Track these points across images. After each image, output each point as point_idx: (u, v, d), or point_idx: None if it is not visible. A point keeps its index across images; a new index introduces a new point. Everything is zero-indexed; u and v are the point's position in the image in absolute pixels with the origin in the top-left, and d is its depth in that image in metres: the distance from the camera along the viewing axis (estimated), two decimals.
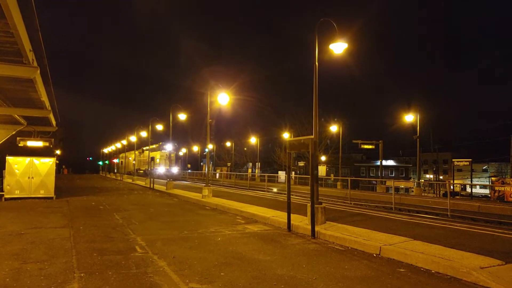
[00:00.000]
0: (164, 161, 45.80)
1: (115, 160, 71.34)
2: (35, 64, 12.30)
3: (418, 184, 27.19)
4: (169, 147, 45.32)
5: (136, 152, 50.85)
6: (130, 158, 55.57)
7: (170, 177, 40.70)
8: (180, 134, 44.20)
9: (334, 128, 38.00)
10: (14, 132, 23.65)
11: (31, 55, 11.53)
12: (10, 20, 8.45)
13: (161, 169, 44.32)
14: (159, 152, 45.87)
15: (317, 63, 10.01)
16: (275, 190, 28.13)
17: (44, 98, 17.38)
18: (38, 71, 12.44)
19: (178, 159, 49.66)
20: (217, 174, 56.03)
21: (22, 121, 23.10)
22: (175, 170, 45.99)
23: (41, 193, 17.45)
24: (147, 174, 44.66)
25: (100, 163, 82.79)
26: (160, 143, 46.30)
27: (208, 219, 12.01)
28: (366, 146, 32.98)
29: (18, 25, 9.01)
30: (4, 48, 10.96)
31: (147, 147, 48.55)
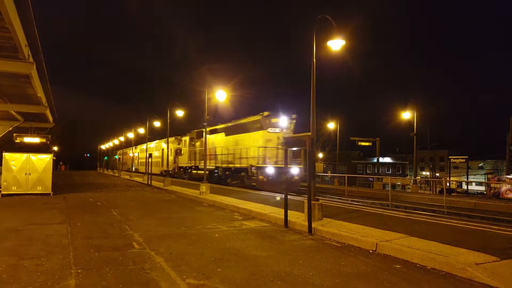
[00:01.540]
0: (276, 152, 21.10)
1: (135, 154, 50.11)
2: (31, 59, 12.24)
3: (415, 181, 27.30)
4: (283, 121, 21.47)
5: (184, 138, 30.48)
6: (163, 148, 35.27)
7: (290, 188, 16.14)
8: (178, 131, 38.59)
9: (331, 126, 38.06)
10: (10, 128, 23.59)
11: (26, 51, 11.47)
12: (5, 15, 8.41)
13: (269, 169, 20.37)
14: (261, 132, 21.09)
15: (314, 60, 9.99)
16: None
17: (41, 94, 17.32)
18: (34, 67, 12.39)
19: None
20: None
21: (19, 117, 23.01)
22: (295, 171, 20.82)
23: (39, 190, 17.41)
24: (221, 178, 24.37)
25: (106, 158, 79.46)
26: (265, 113, 21.27)
27: (206, 215, 12.02)
28: (363, 143, 33.14)
29: (14, 20, 8.96)
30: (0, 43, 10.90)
31: (228, 124, 25.32)
